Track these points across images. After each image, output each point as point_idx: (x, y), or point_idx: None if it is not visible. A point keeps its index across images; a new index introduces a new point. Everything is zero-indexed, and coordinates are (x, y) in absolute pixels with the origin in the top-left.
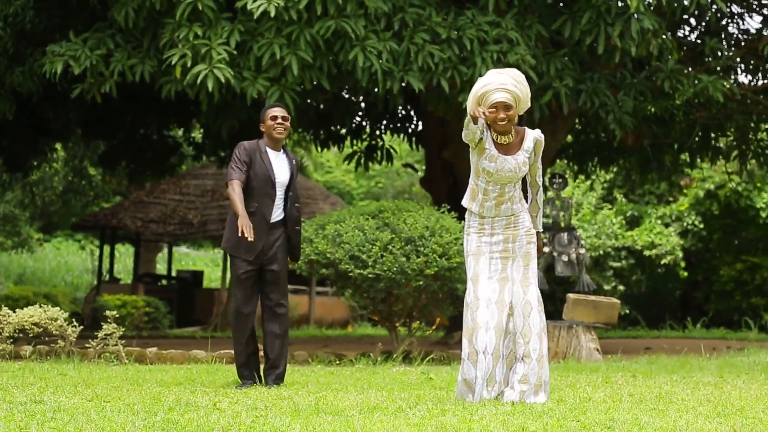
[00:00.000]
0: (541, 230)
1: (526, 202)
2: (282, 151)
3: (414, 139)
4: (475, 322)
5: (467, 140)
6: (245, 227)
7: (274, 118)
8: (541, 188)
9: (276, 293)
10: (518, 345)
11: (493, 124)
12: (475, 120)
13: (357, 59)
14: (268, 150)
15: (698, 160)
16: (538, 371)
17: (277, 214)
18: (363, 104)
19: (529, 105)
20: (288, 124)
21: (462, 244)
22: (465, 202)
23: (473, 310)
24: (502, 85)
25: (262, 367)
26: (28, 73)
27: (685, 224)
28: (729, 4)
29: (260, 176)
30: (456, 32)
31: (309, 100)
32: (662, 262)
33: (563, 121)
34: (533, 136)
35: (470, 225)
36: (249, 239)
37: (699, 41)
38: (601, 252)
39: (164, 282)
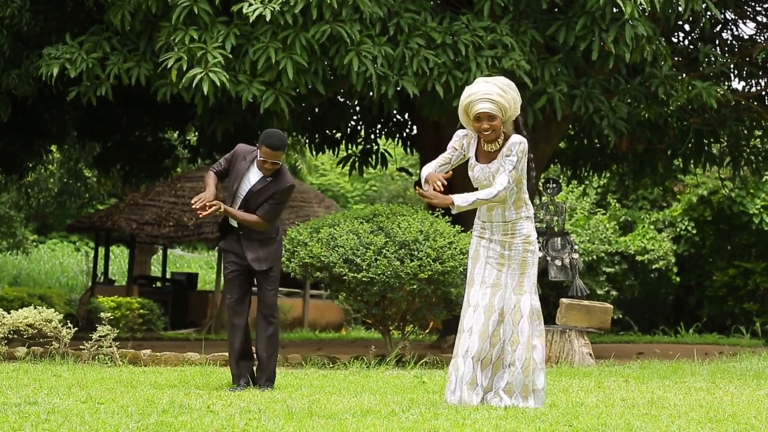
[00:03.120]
0: (454, 202)
1: (527, 209)
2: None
3: (408, 143)
4: (461, 326)
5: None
6: (199, 199)
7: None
8: (497, 188)
9: (266, 296)
10: (506, 352)
11: (479, 133)
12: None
13: (352, 64)
14: (253, 165)
15: (691, 165)
16: (523, 379)
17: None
18: (358, 108)
19: (518, 112)
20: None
21: (455, 248)
22: None
23: (462, 313)
24: (486, 95)
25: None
26: (24, 76)
27: (678, 230)
28: (723, 11)
29: (231, 182)
30: (451, 37)
31: (304, 104)
32: (655, 267)
33: (557, 126)
34: (511, 142)
35: (474, 228)
36: (198, 209)
37: (693, 47)
38: (595, 257)
39: (159, 284)
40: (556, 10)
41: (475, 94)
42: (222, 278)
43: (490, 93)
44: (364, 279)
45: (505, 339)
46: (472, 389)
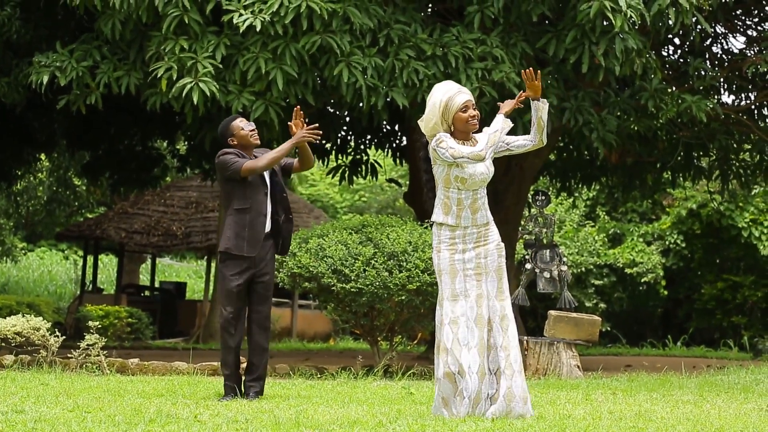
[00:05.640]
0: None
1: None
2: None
3: (398, 154)
4: (456, 342)
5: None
6: (305, 131)
7: (245, 128)
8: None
9: (265, 306)
10: (500, 358)
11: (463, 126)
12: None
13: (342, 75)
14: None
15: (680, 179)
16: (521, 383)
17: (267, 206)
18: (348, 119)
19: None
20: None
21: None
22: (438, 218)
23: (452, 329)
24: (459, 88)
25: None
26: (14, 84)
27: (667, 243)
28: (713, 25)
29: (251, 183)
30: (441, 49)
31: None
32: (643, 280)
33: (547, 138)
34: (483, 132)
35: (441, 240)
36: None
37: (683, 61)
38: (583, 269)
39: (147, 293)
40: (546, 22)
41: (450, 90)
42: (218, 288)
43: (460, 86)
44: (352, 290)
45: (497, 346)
46: (478, 405)
